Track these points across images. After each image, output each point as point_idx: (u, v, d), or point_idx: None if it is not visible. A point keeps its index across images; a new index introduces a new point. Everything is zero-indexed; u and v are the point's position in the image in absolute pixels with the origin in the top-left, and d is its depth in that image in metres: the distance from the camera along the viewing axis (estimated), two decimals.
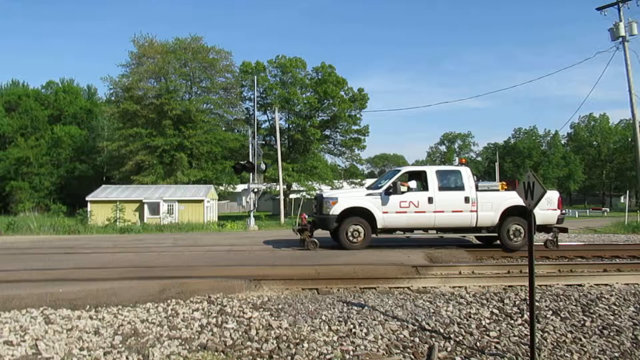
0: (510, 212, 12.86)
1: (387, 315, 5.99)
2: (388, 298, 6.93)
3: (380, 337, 5.23)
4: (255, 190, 26.71)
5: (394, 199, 12.96)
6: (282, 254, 11.79)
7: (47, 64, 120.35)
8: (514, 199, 12.71)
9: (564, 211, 13.80)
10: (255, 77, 37.91)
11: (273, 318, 5.84)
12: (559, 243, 13.09)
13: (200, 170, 45.38)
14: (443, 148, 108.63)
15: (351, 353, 4.83)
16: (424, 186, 13.36)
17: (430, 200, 12.97)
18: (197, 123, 45.74)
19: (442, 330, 5.52)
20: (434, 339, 5.24)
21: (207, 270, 8.74)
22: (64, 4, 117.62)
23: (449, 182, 13.37)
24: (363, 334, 5.30)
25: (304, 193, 50.60)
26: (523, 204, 12.56)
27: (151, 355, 4.69)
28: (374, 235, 12.91)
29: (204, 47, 47.89)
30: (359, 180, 53.83)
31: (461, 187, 13.13)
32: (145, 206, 32.10)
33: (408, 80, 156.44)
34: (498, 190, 13.52)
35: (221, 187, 46.95)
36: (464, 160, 15.14)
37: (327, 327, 5.54)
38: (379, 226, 12.91)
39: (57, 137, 58.77)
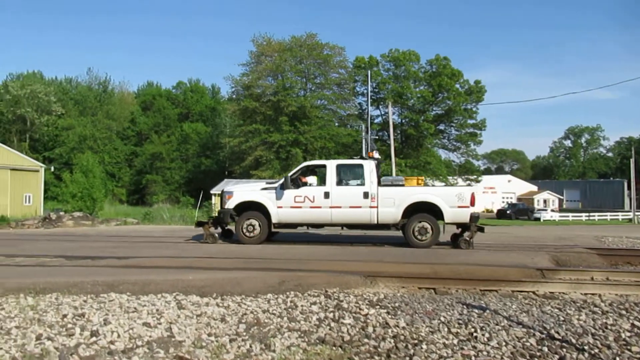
0: (416, 209, 12.09)
1: (510, 321, 5.66)
2: (511, 302, 6.56)
3: (504, 343, 4.95)
4: None
5: (288, 193, 12.53)
6: (395, 251, 11.65)
7: (177, 65, 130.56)
8: (419, 194, 12.17)
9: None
10: (369, 71, 37.89)
11: (390, 316, 5.79)
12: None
13: None
14: (568, 143, 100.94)
15: (473, 359, 4.63)
16: (324, 181, 12.70)
17: (326, 195, 12.42)
18: (311, 119, 46.86)
19: (574, 341, 5.09)
20: (564, 350, 4.85)
21: (321, 265, 8.89)
22: (193, 7, 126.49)
23: (349, 177, 12.76)
24: (485, 339, 5.05)
25: None
26: (430, 200, 11.82)
27: (273, 345, 4.85)
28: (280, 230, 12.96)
29: (319, 43, 48.86)
30: (475, 176, 51.68)
31: (361, 182, 12.45)
32: None
33: (526, 70, 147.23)
34: (402, 185, 12.84)
35: None
36: (371, 153, 13.79)
37: (446, 329, 5.37)
38: (273, 221, 12.60)
39: (185, 134, 63.47)
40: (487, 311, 6.02)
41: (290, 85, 48.26)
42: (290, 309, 6.06)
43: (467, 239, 12.06)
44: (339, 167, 12.86)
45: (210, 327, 5.33)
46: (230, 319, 5.62)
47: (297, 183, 12.74)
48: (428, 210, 12.12)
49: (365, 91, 45.74)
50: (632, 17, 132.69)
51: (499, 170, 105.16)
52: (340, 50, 49.41)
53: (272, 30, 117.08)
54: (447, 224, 12.30)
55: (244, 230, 12.76)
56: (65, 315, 5.35)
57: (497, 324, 5.50)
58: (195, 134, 63.69)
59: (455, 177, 51.33)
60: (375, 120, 48.85)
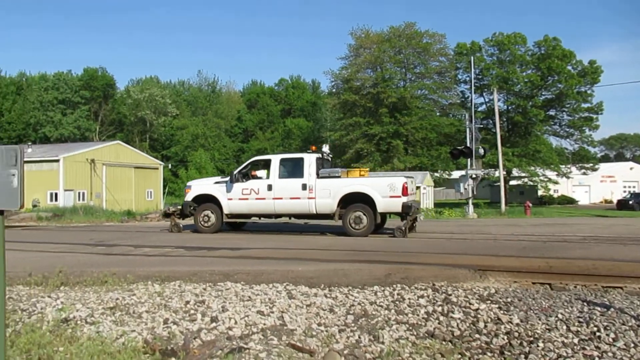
0: (352, 199, 12.77)
1: (639, 320, 5.22)
2: None
3: (632, 345, 4.58)
4: (474, 176, 25.81)
5: (237, 186, 13.67)
6: (506, 243, 11.18)
7: (279, 63, 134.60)
8: (352, 185, 12.82)
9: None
10: (472, 57, 36.47)
11: (502, 312, 5.58)
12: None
13: (416, 156, 45.70)
14: None
15: None
16: (269, 174, 13.67)
17: (269, 187, 13.44)
18: (411, 109, 46.10)
19: None
20: None
21: (429, 258, 8.78)
22: (293, 5, 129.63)
23: (290, 170, 13.55)
24: (610, 340, 4.71)
25: (526, 179, 47.05)
26: (363, 191, 12.48)
27: (381, 337, 4.89)
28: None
29: (418, 32, 47.85)
30: (591, 164, 47.84)
31: (301, 175, 13.26)
32: None
33: None
34: (339, 177, 13.35)
35: (436, 174, 46.58)
36: (314, 147, 14.37)
37: (564, 327, 5.07)
38: (225, 212, 13.80)
39: (288, 129, 65.37)
40: (612, 309, 5.60)
41: (390, 76, 47.79)
42: (397, 302, 6.06)
43: (402, 228, 12.51)
44: (282, 161, 13.84)
45: (319, 317, 5.48)
46: (339, 310, 5.74)
47: (245, 177, 13.90)
48: (363, 201, 12.74)
49: (467, 78, 44.06)
50: None
51: (619, 157, 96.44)
52: (441, 38, 48.03)
53: (370, 23, 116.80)
54: (381, 213, 12.98)
55: (201, 221, 14.10)
56: (187, 302, 5.78)
57: (623, 324, 5.10)
58: (298, 129, 65.36)
59: (569, 166, 47.91)
60: (479, 108, 46.86)
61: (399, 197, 12.51)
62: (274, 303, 5.89)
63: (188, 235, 14.12)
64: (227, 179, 14.11)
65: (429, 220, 22.59)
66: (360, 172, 13.96)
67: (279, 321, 5.31)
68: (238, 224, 15.57)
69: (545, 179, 45.42)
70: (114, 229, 17.47)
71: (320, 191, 13.18)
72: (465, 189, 25.51)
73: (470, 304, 5.91)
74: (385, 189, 12.69)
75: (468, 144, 25.93)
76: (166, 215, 15.32)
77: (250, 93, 77.16)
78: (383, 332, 4.99)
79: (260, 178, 14.00)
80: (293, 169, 13.75)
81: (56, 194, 32.54)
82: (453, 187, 32.34)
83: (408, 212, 12.57)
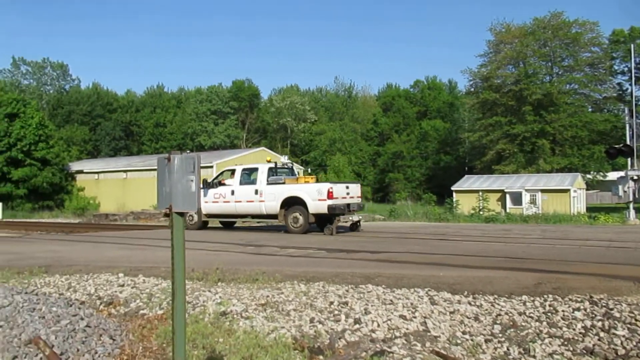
0: (292, 202, 15.19)
1: None
2: None
3: None
4: (635, 177, 23.15)
5: (211, 192, 16.76)
6: None
7: (414, 64, 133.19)
8: (291, 190, 15.29)
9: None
10: (632, 45, 32.74)
11: None
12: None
13: (564, 157, 42.20)
14: None
15: None
16: (233, 181, 16.62)
17: (232, 192, 16.44)
18: (559, 106, 42.68)
19: None
20: None
21: (584, 267, 8.07)
22: (429, 6, 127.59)
23: (248, 178, 16.40)
24: None
25: None
26: (298, 195, 14.78)
27: (532, 350, 4.62)
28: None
29: (566, 22, 44.21)
30: None
31: (255, 182, 16.08)
32: (507, 196, 31.90)
33: None
34: (283, 183, 15.81)
35: (589, 175, 42.51)
36: (269, 159, 17.72)
37: None
38: (203, 212, 16.91)
39: (424, 131, 64.33)
40: None
41: (534, 71, 44.76)
42: (549, 313, 5.67)
43: (330, 227, 14.97)
44: (243, 170, 16.96)
45: (464, 325, 5.34)
46: (484, 319, 5.54)
47: (217, 184, 17.04)
48: (299, 204, 15.20)
49: (626, 69, 39.72)
50: None
51: None
52: (592, 26, 43.76)
53: (510, 16, 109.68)
54: (313, 214, 15.02)
55: (188, 220, 17.09)
56: (331, 303, 5.98)
57: None
58: (434, 130, 64.01)
59: None
60: None
61: (325, 200, 14.80)
62: (416, 308, 5.85)
63: (326, 237, 14.59)
64: (206, 186, 17.06)
65: (581, 226, 20.72)
66: (305, 179, 16.51)
67: (422, 327, 5.27)
68: (227, 223, 18.86)
69: None
70: (260, 230, 18.64)
71: (267, 195, 15.91)
72: (624, 191, 22.99)
73: (636, 320, 5.32)
74: (314, 193, 15.04)
75: (627, 142, 23.34)
76: (166, 215, 18.14)
77: (386, 96, 77.33)
78: (534, 345, 4.71)
79: (227, 185, 16.94)
80: (250, 177, 16.64)
81: None
82: (609, 190, 29.34)
83: (333, 213, 14.90)
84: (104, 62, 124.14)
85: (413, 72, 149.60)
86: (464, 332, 5.14)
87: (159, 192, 2.36)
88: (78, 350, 4.18)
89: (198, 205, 2.24)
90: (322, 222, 15.47)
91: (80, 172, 43.59)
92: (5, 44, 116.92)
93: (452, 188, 34.43)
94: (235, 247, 11.98)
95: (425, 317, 5.52)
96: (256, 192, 16.13)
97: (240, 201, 16.41)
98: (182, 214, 2.32)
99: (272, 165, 16.69)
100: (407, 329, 5.22)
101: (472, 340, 4.89)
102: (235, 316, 5.41)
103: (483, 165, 46.06)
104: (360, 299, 6.19)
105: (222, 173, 17.78)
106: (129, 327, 5.08)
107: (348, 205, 15.59)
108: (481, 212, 27.81)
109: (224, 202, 16.74)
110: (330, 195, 14.83)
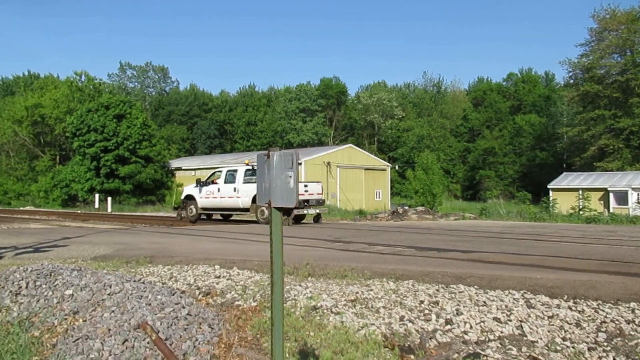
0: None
1: None
2: None
3: None
4: None
5: (204, 189, 19.99)
6: None
7: (506, 56, 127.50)
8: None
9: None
10: None
11: None
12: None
13: None
14: None
15: None
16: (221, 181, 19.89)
17: (219, 190, 19.60)
18: None
19: None
20: None
21: None
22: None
23: (230, 178, 19.54)
24: None
25: None
26: None
27: None
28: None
29: None
30: None
31: (234, 181, 19.27)
32: (611, 195, 29.69)
33: None
34: (254, 182, 17.62)
35: None
36: (247, 162, 19.99)
37: None
38: (199, 206, 20.36)
39: (518, 126, 61.45)
40: None
41: None
42: None
43: (288, 217, 17.94)
44: (227, 171, 20.39)
45: (563, 331, 5.06)
46: (587, 326, 5.21)
47: (210, 183, 20.36)
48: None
49: None
50: None
51: None
52: None
53: (616, 1, 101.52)
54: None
55: (187, 212, 21.04)
56: (422, 302, 5.90)
57: None
58: (529, 125, 60.90)
59: None
60: None
61: None
62: (511, 311, 5.63)
63: (417, 235, 14.40)
64: (201, 184, 20.58)
65: None
66: None
67: (518, 331, 5.06)
68: (224, 216, 22.13)
69: None
70: (348, 227, 18.78)
71: (242, 192, 19.14)
72: None
73: None
74: None
75: None
76: (176, 208, 22.82)
77: (477, 91, 74.69)
78: None
79: (216, 184, 20.13)
80: (232, 177, 19.85)
81: None
82: None
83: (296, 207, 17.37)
84: (200, 64, 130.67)
85: (506, 65, 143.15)
86: (564, 339, 4.87)
87: (258, 187, 2.46)
88: (180, 336, 4.45)
89: (296, 201, 2.31)
90: (285, 214, 16.88)
91: (179, 169, 46.29)
92: (114, 51, 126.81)
93: (549, 186, 32.64)
94: (324, 243, 12.15)
95: (521, 321, 5.29)
96: (234, 189, 19.54)
97: (224, 197, 19.86)
98: (280, 210, 2.40)
99: (249, 167, 19.67)
100: (501, 332, 5.04)
101: (573, 347, 4.63)
102: (325, 311, 5.50)
103: (583, 162, 43.15)
104: (451, 299, 6.05)
105: (213, 174, 21.20)
106: (225, 317, 5.33)
107: (307, 201, 18.98)
108: (581, 212, 26.08)
109: (213, 197, 20.27)
110: None
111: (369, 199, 39.94)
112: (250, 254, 9.89)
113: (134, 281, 5.85)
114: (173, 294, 5.57)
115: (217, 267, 8.19)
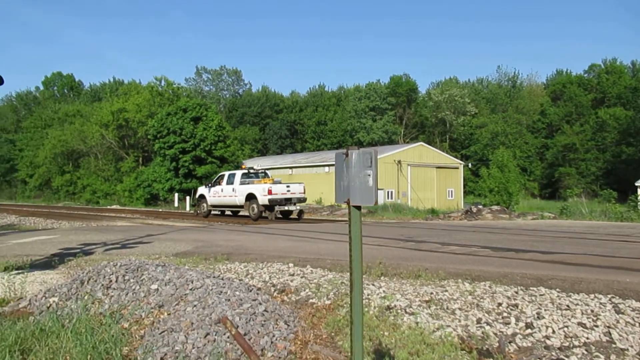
0: (251, 197, 22.13)
1: None
2: None
3: None
4: None
5: (212, 190, 24.25)
6: None
7: (588, 47, 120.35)
8: (249, 189, 22.30)
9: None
10: None
11: None
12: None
13: None
14: None
15: None
16: (226, 182, 23.98)
17: (222, 190, 23.81)
18: None
19: None
20: None
21: None
22: None
23: (231, 180, 23.69)
24: None
25: None
26: (252, 192, 22.84)
27: None
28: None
29: None
30: None
31: (233, 183, 23.38)
32: None
33: None
34: (247, 184, 22.73)
35: None
36: (244, 166, 26.87)
37: None
38: (209, 204, 24.55)
39: (601, 120, 57.91)
40: None
41: None
42: None
43: (272, 213, 21.73)
44: (228, 175, 24.15)
45: None
46: None
47: (217, 184, 24.24)
48: (254, 198, 21.79)
49: None
50: None
51: None
52: None
53: None
54: (261, 205, 21.49)
55: (201, 209, 25.12)
56: (500, 304, 5.72)
57: None
58: (614, 119, 57.15)
59: None
60: None
61: (266, 195, 21.34)
62: (597, 316, 5.33)
63: (493, 235, 13.96)
64: (209, 185, 24.80)
65: None
66: (263, 180, 22.62)
67: (605, 337, 4.79)
68: (233, 212, 25.12)
69: None
70: (419, 226, 18.50)
71: (239, 192, 22.75)
72: None
73: None
74: (261, 191, 21.60)
75: None
76: (193, 205, 28.20)
77: (555, 84, 71.03)
78: None
79: (221, 185, 24.00)
80: (232, 179, 23.58)
81: None
82: None
83: (273, 204, 21.48)
84: (272, 66, 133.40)
85: (587, 56, 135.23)
86: None
87: (337, 186, 2.49)
88: (258, 332, 4.59)
89: (375, 200, 2.32)
90: (268, 210, 21.84)
91: (252, 169, 47.56)
92: (191, 56, 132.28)
93: (637, 183, 30.49)
94: (396, 243, 12.06)
95: (608, 327, 5.01)
96: (233, 190, 23.14)
97: (226, 196, 23.57)
98: (359, 208, 2.42)
99: (245, 171, 24.02)
100: (587, 338, 4.79)
101: None
102: (399, 311, 5.46)
103: None
104: (531, 302, 5.82)
105: (219, 176, 25.07)
106: (300, 314, 5.43)
107: (289, 199, 21.89)
108: None
109: (218, 196, 24.03)
110: (269, 192, 21.41)
111: (441, 197, 39.12)
112: (322, 253, 9.99)
113: (214, 277, 6.08)
114: (250, 291, 5.74)
115: (290, 265, 8.35)
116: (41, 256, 9.75)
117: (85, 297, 5.41)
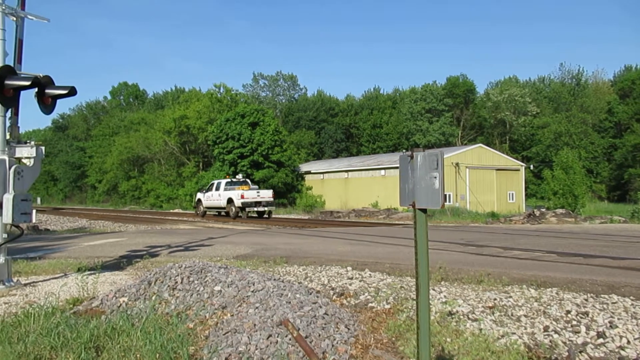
0: (230, 200, 27.93)
1: None
2: None
3: None
4: None
5: (205, 194, 30.64)
6: None
7: None
8: (228, 194, 28.33)
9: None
10: None
11: None
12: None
13: None
14: None
15: None
16: (216, 188, 30.10)
17: (212, 195, 29.86)
18: None
19: None
20: None
21: None
22: None
23: (219, 187, 29.53)
24: None
25: None
26: (230, 196, 30.36)
27: None
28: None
29: None
30: None
31: (220, 189, 29.24)
32: None
33: None
34: (229, 190, 28.66)
35: None
36: (227, 176, 33.38)
37: None
38: (204, 206, 30.55)
39: None
40: None
41: None
42: None
43: (244, 212, 27.48)
44: (217, 183, 30.08)
45: None
46: None
47: (209, 190, 30.62)
48: (232, 201, 27.75)
49: None
50: None
51: None
52: None
53: None
54: (237, 207, 27.76)
55: (198, 210, 31.15)
56: (568, 312, 5.49)
57: None
58: None
59: None
60: None
61: (240, 199, 27.27)
62: None
63: (558, 240, 13.40)
64: (203, 190, 31.10)
65: None
66: (241, 187, 28.26)
67: None
68: (219, 211, 30.52)
69: None
70: (479, 230, 18.03)
71: (223, 196, 28.54)
72: None
73: None
74: (237, 196, 27.46)
75: None
76: (194, 207, 33.09)
77: (623, 81, 67.28)
78: None
79: (211, 190, 29.98)
80: (219, 186, 29.24)
81: None
82: None
83: (245, 207, 27.28)
84: (327, 70, 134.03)
85: None
86: None
87: (401, 188, 2.46)
88: (319, 335, 4.61)
89: (442, 202, 2.28)
90: (243, 210, 27.39)
91: (308, 172, 47.93)
92: (248, 63, 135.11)
93: None
94: (455, 247, 11.81)
95: None
96: (219, 195, 29.05)
97: (215, 200, 29.43)
98: (425, 211, 2.39)
99: (229, 180, 29.85)
100: None
101: None
102: (461, 317, 5.35)
103: None
104: (603, 310, 5.55)
105: (210, 184, 31.14)
106: (360, 318, 5.42)
107: (259, 202, 27.59)
108: None
109: (210, 200, 29.92)
110: (242, 197, 27.26)
111: (501, 200, 37.95)
112: (380, 257, 9.93)
113: (274, 280, 6.18)
114: (310, 294, 5.79)
115: (349, 268, 8.35)
116: (111, 258, 10.23)
117: (153, 298, 5.63)
